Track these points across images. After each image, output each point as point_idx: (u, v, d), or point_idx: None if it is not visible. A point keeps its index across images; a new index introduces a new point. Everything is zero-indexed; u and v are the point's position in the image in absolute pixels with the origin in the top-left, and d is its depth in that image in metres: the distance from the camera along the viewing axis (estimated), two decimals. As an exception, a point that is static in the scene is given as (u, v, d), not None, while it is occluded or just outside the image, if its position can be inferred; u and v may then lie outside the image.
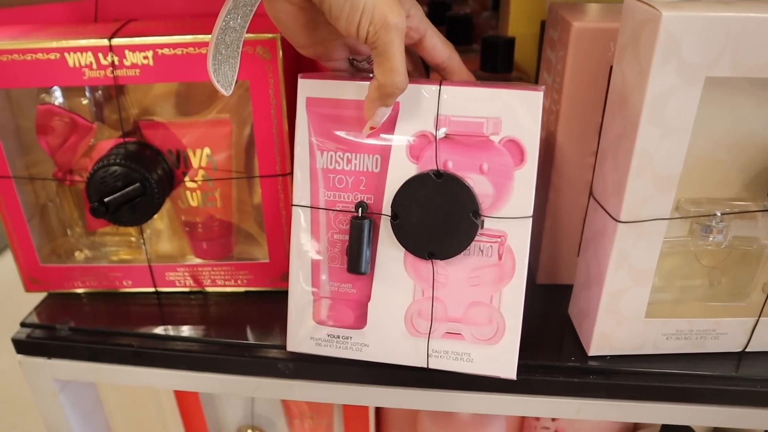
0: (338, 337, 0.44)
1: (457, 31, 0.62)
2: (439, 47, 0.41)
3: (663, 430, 0.58)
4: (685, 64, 0.36)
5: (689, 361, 0.46)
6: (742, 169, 0.42)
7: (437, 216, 0.39)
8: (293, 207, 0.43)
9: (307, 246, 0.43)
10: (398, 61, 0.35)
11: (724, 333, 0.46)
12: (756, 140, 0.41)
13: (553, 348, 0.48)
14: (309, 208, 0.42)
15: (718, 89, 0.39)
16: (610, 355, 0.46)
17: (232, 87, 0.38)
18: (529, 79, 0.58)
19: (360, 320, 0.44)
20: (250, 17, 0.36)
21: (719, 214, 0.43)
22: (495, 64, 0.55)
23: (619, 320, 0.44)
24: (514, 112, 0.38)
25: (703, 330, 0.46)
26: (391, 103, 0.37)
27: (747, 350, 0.47)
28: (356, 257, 0.41)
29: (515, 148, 0.39)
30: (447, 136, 0.39)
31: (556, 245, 0.53)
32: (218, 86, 0.37)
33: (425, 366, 0.44)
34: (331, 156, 0.41)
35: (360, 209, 0.41)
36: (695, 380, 0.46)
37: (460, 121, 0.39)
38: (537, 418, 0.64)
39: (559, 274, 0.54)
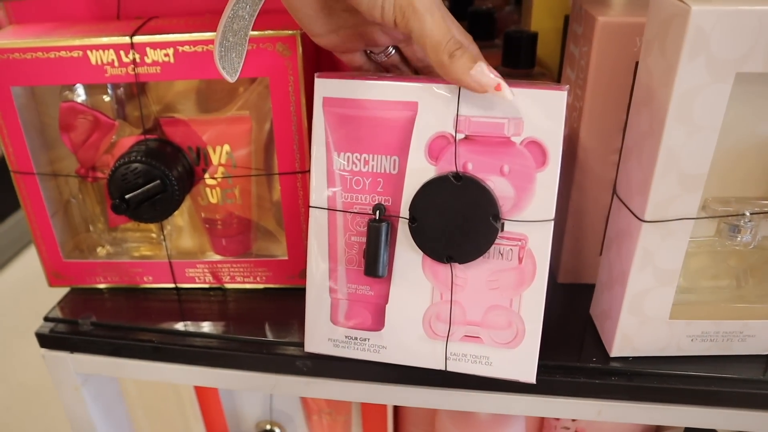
0: (356, 338, 0.44)
1: (478, 26, 0.62)
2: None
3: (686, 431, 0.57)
4: (714, 60, 0.35)
5: (715, 364, 0.45)
6: (772, 168, 0.41)
7: (456, 219, 0.39)
8: (310, 208, 0.42)
9: (324, 248, 0.43)
10: (438, 33, 0.34)
11: (752, 335, 0.45)
12: (787, 138, 0.40)
13: (575, 348, 0.48)
14: (326, 210, 0.42)
15: (747, 85, 0.37)
16: (633, 357, 0.46)
17: (238, 74, 0.38)
18: (552, 74, 0.57)
19: (378, 322, 0.43)
20: (259, 6, 0.36)
21: (748, 214, 0.41)
22: (517, 59, 0.54)
23: (642, 321, 0.44)
24: (536, 112, 0.37)
25: (730, 332, 0.44)
26: (469, 62, 0.34)
27: (775, 353, 0.46)
28: (373, 260, 0.41)
29: (537, 149, 0.38)
30: (467, 137, 0.38)
31: (578, 244, 0.52)
32: (223, 73, 0.38)
33: (443, 369, 0.43)
34: (348, 157, 0.41)
35: (377, 212, 0.41)
36: (720, 383, 0.45)
37: (480, 122, 0.38)
38: (557, 419, 0.63)
39: (581, 273, 0.53)
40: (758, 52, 0.35)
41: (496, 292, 0.41)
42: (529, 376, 0.42)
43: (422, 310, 0.42)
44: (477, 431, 0.59)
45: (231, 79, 0.38)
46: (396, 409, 0.68)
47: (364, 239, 0.41)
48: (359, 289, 0.43)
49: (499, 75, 0.35)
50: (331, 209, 0.42)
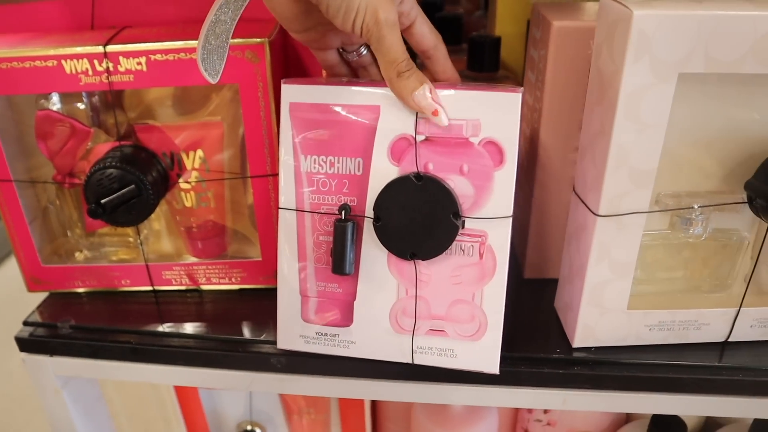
0: (326, 334, 0.45)
1: (446, 31, 0.63)
2: (427, 35, 0.42)
3: (653, 420, 0.59)
4: (657, 61, 0.37)
5: (673, 352, 0.47)
6: (720, 163, 0.43)
7: (418, 218, 0.40)
8: (279, 210, 0.44)
9: (294, 248, 0.44)
10: (394, 51, 0.37)
11: (707, 324, 0.47)
12: (732, 134, 0.42)
13: (540, 341, 0.49)
14: (294, 211, 0.44)
15: (692, 85, 0.39)
16: (595, 347, 0.47)
17: (219, 75, 0.40)
18: (516, 77, 0.59)
19: (346, 318, 0.45)
20: (241, 11, 0.38)
21: (696, 207, 0.43)
22: (482, 63, 0.56)
23: (601, 312, 0.45)
24: (493, 113, 0.39)
25: (686, 321, 0.46)
26: (414, 83, 0.38)
27: (729, 340, 0.48)
28: (340, 259, 0.42)
29: (494, 149, 0.40)
30: (427, 139, 0.40)
31: (542, 240, 0.54)
32: (206, 74, 0.40)
33: (410, 362, 0.45)
34: (315, 159, 0.42)
35: (343, 212, 0.42)
36: (679, 370, 0.46)
37: None
38: (530, 411, 0.65)
39: (546, 268, 0.55)
40: (698, 54, 0.37)
41: (460, 287, 0.42)
42: (493, 367, 0.44)
43: (388, 306, 0.44)
44: (451, 425, 0.60)
45: (213, 80, 0.40)
46: (373, 406, 0.69)
47: (332, 239, 0.43)
48: (328, 287, 0.45)
49: (439, 100, 0.38)
50: (299, 210, 0.44)
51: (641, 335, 0.47)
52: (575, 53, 0.46)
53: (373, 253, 0.43)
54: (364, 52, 0.44)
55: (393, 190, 0.41)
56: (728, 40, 0.37)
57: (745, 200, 0.43)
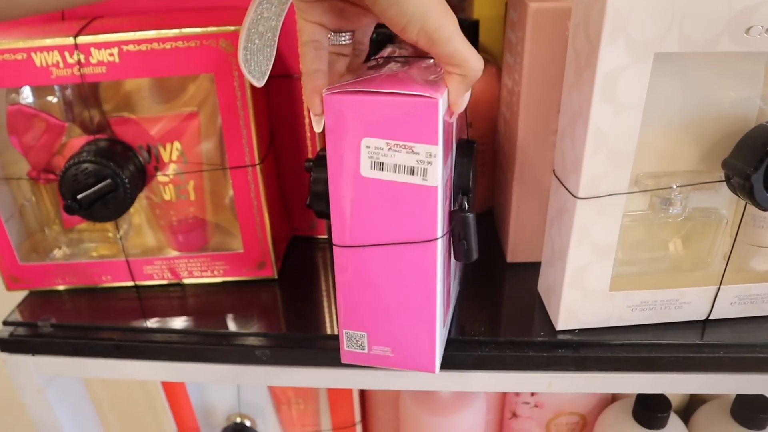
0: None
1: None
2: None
3: (638, 399, 0.60)
4: (633, 42, 0.37)
5: (655, 331, 0.48)
6: (698, 142, 0.43)
7: None
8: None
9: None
10: (465, 53, 0.35)
11: (688, 302, 0.47)
12: (709, 113, 0.42)
13: (524, 324, 0.49)
14: None
15: (668, 65, 0.39)
16: (578, 329, 0.48)
17: (265, 78, 0.36)
18: (497, 60, 0.59)
19: None
20: (287, 6, 0.33)
21: (675, 187, 0.44)
22: (460, 47, 0.56)
23: (584, 294, 0.46)
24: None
25: (667, 300, 0.47)
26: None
27: (711, 318, 0.48)
28: (469, 248, 0.41)
29: None
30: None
31: (524, 224, 0.54)
32: (249, 77, 0.35)
33: None
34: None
35: (465, 200, 0.41)
36: (662, 349, 0.47)
37: None
38: (517, 394, 0.65)
39: (529, 252, 0.55)
40: (673, 33, 0.37)
41: None
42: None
43: None
44: (438, 411, 0.60)
45: (258, 83, 0.36)
46: (362, 395, 0.69)
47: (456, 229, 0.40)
48: None
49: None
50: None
51: (624, 316, 0.47)
52: (552, 35, 0.46)
53: None
54: (348, 41, 0.42)
55: None
56: (703, 18, 0.36)
57: (723, 179, 0.43)
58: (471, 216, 0.40)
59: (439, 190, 0.36)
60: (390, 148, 0.36)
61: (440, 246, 0.38)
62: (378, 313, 0.41)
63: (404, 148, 0.35)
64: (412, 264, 0.38)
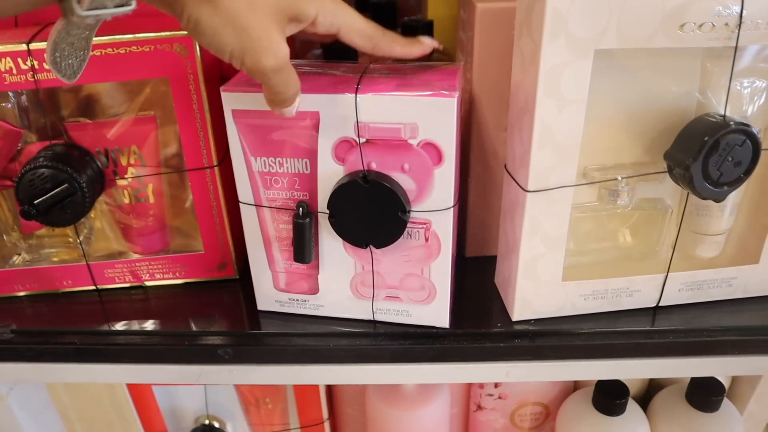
0: (297, 300, 0.50)
1: (380, 16, 0.64)
2: (358, 42, 0.41)
3: (597, 386, 0.61)
4: (573, 39, 0.38)
5: (608, 319, 0.49)
6: (641, 135, 0.45)
7: (369, 215, 0.43)
8: (240, 204, 0.46)
9: (258, 235, 0.48)
10: (280, 88, 0.37)
11: (638, 290, 0.49)
12: (651, 107, 0.44)
13: (482, 316, 0.51)
14: (253, 205, 0.46)
15: (609, 60, 0.41)
16: (534, 319, 0.49)
17: (77, 76, 0.38)
18: (450, 59, 0.60)
19: (313, 288, 0.50)
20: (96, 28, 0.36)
21: (621, 178, 0.45)
22: (416, 47, 0.57)
23: (537, 285, 0.47)
24: (429, 117, 0.40)
25: (618, 288, 0.48)
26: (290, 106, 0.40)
27: (660, 305, 0.50)
28: (301, 250, 0.46)
29: (433, 150, 0.41)
30: (368, 141, 0.42)
31: (481, 218, 0.55)
32: (60, 76, 0.37)
33: (372, 319, 0.50)
34: (264, 160, 0.44)
35: (300, 209, 0.44)
36: (615, 336, 0.48)
37: (378, 128, 0.41)
38: (481, 386, 0.66)
39: (487, 246, 0.56)
40: (612, 30, 0.38)
41: (409, 264, 0.46)
42: (443, 322, 0.48)
43: (348, 279, 0.48)
44: (403, 405, 0.61)
45: (70, 81, 0.38)
46: (329, 391, 0.70)
47: (291, 227, 0.45)
48: (293, 265, 0.49)
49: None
50: (257, 205, 0.46)
51: (577, 305, 0.49)
52: (499, 34, 0.47)
53: (330, 240, 0.46)
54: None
55: (343, 191, 0.43)
56: (638, 16, 0.38)
57: (666, 170, 0.44)
58: (305, 222, 0.45)
59: None
60: None
61: None
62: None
63: None
64: None
